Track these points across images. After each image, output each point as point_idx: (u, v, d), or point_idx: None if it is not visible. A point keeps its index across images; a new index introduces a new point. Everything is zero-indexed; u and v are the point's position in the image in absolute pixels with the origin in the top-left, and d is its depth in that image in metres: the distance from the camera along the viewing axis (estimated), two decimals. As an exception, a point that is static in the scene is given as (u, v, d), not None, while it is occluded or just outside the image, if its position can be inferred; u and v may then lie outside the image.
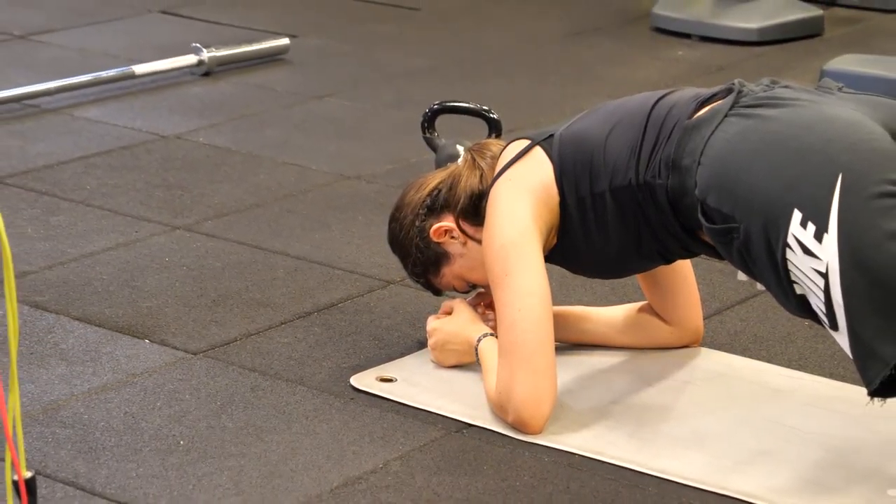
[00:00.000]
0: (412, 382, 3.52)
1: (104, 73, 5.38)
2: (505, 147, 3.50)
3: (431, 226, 3.50)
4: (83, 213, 4.37)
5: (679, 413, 3.51)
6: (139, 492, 3.04)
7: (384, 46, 6.11)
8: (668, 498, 3.10)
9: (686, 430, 3.41)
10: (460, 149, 3.97)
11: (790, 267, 2.99)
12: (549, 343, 3.30)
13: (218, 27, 6.12)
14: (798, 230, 2.94)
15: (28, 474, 2.59)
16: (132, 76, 5.40)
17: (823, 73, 5.66)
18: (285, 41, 5.88)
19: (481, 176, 3.48)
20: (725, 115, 3.16)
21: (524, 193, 3.34)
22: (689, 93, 3.36)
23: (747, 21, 6.35)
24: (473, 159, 3.54)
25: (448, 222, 3.49)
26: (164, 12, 6.35)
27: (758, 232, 3.03)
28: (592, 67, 5.89)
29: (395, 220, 3.60)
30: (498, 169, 3.43)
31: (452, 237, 3.50)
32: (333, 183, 4.70)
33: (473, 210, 3.46)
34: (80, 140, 4.89)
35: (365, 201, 4.50)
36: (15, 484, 2.57)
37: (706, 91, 3.33)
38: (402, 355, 3.65)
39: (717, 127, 3.15)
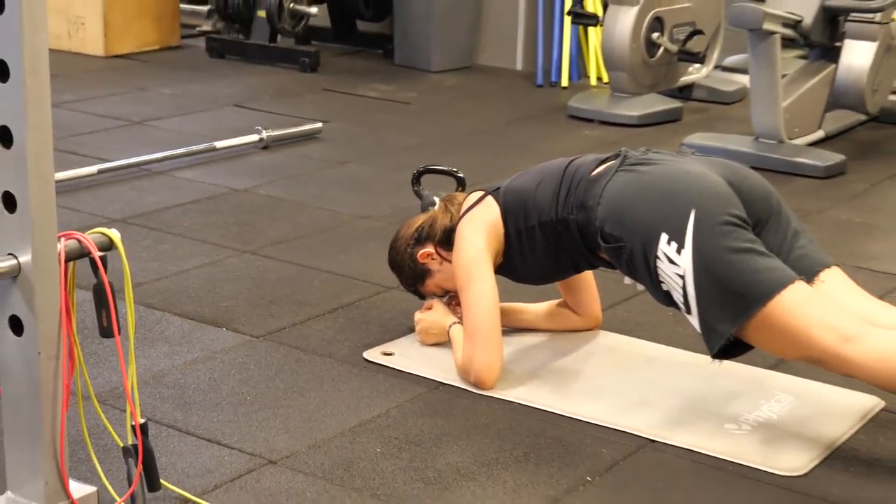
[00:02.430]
0: (406, 356, 3.56)
1: (195, 147, 5.39)
2: (467, 196, 3.56)
3: (418, 252, 3.55)
4: (181, 242, 4.41)
5: (585, 375, 3.54)
6: (219, 432, 3.10)
7: (387, 129, 6.12)
8: (579, 433, 3.14)
9: (590, 386, 3.46)
10: (436, 199, 3.98)
11: (659, 272, 3.07)
12: (498, 328, 3.37)
13: (274, 115, 6.14)
14: (665, 247, 3.04)
15: (142, 420, 2.60)
16: (214, 149, 5.42)
17: (682, 145, 5.69)
18: (319, 125, 5.89)
19: (451, 217, 3.53)
20: (616, 171, 3.26)
21: (480, 228, 3.42)
22: (591, 157, 3.45)
23: (631, 111, 6.37)
24: (446, 205, 3.61)
25: (430, 249, 3.54)
26: (237, 105, 6.36)
27: (638, 249, 3.12)
28: (528, 143, 5.90)
29: (393, 248, 3.66)
30: (462, 211, 3.48)
31: (433, 259, 3.55)
32: (353, 221, 4.74)
33: (447, 240, 3.50)
34: (178, 193, 4.92)
35: (374, 234, 4.52)
36: (133, 427, 2.58)
37: (602, 155, 3.42)
38: (399, 337, 3.68)
39: (610, 179, 3.24)
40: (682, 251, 3.02)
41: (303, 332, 3.70)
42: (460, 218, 3.49)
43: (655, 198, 3.16)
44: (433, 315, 3.61)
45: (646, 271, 3.14)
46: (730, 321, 2.99)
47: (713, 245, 3.02)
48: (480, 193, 3.53)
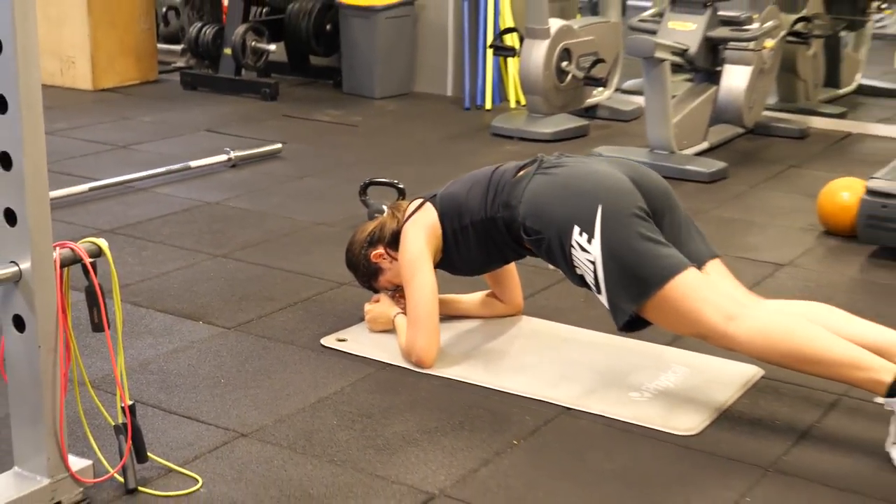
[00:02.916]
0: (358, 341, 3.57)
1: (173, 166, 5.37)
2: (409, 204, 3.57)
3: (371, 253, 3.58)
4: (161, 249, 4.40)
5: (511, 354, 3.57)
6: (197, 410, 3.11)
7: (338, 148, 6.13)
8: (506, 403, 3.17)
9: (516, 363, 3.49)
10: (383, 206, 4.01)
11: (574, 259, 3.14)
12: (436, 315, 3.41)
13: (240, 138, 6.12)
14: (577, 238, 3.10)
15: (130, 402, 2.61)
16: (189, 168, 5.41)
17: (591, 153, 5.70)
18: (279, 146, 5.88)
19: (397, 221, 3.55)
20: (534, 174, 3.31)
21: (421, 230, 3.45)
22: (511, 163, 3.49)
23: (545, 128, 6.41)
24: (392, 212, 3.64)
25: (381, 250, 3.57)
26: (208, 130, 6.36)
27: (555, 240, 3.17)
28: (458, 157, 5.93)
29: (349, 250, 3.69)
30: (406, 216, 3.51)
31: (384, 258, 3.57)
32: (310, 227, 4.75)
33: (394, 242, 3.52)
34: (159, 206, 4.91)
35: (329, 238, 4.53)
36: (122, 408, 2.59)
37: (522, 162, 3.45)
38: (351, 326, 3.68)
39: (529, 181, 3.30)
40: (592, 240, 3.07)
41: (268, 324, 3.70)
42: (404, 222, 3.52)
43: (567, 195, 3.21)
44: (380, 306, 3.62)
45: (562, 258, 3.19)
46: (633, 300, 3.06)
47: (619, 235, 3.07)
48: (420, 201, 3.55)
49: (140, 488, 2.66)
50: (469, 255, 3.50)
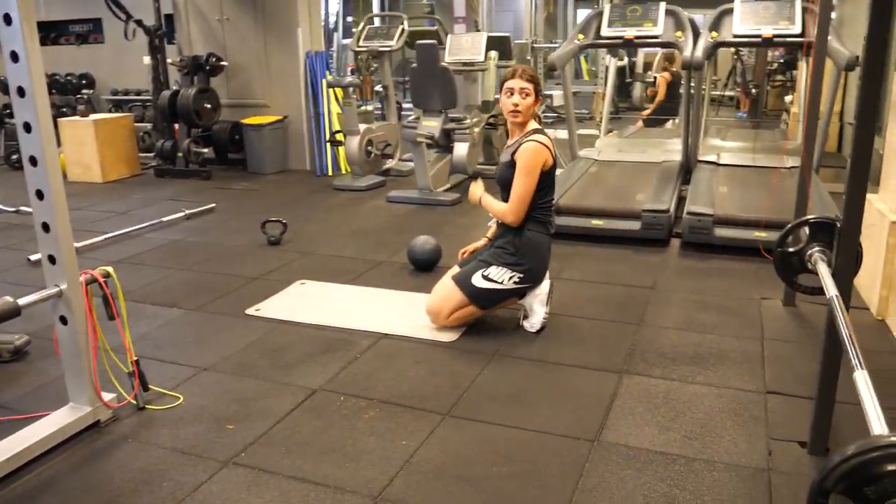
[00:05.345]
0: (268, 309, 3.45)
1: (152, 221, 5.11)
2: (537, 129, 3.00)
3: (538, 93, 3.01)
4: (148, 269, 4.16)
5: (353, 307, 3.46)
6: (176, 357, 2.97)
7: (247, 203, 5.90)
8: (353, 335, 3.12)
9: (356, 312, 3.37)
10: (275, 235, 3.84)
11: None
12: (526, 206, 2.98)
13: (191, 202, 5.81)
14: None
15: (135, 357, 2.47)
16: (162, 222, 5.15)
17: (388, 197, 5.64)
18: (213, 205, 5.65)
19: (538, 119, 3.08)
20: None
21: (545, 153, 2.97)
22: None
23: (361, 183, 6.36)
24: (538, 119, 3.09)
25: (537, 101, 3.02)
26: (171, 199, 6.01)
27: None
28: (316, 203, 5.82)
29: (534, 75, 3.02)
30: (537, 128, 3.01)
31: (537, 103, 3.02)
32: (235, 248, 4.55)
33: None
34: (145, 245, 4.66)
35: (247, 253, 4.39)
36: (131, 362, 2.44)
37: None
38: (263, 301, 3.54)
39: None
40: None
41: (216, 305, 3.54)
42: (535, 131, 2.97)
43: None
44: (477, 188, 3.15)
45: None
46: None
47: None
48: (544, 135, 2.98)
49: (147, 405, 2.53)
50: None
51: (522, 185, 2.95)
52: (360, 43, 6.81)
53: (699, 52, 4.97)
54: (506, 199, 3.09)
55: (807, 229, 2.39)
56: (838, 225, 2.01)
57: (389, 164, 7.00)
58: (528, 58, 9.79)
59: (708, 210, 4.29)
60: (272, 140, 7.19)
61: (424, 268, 3.99)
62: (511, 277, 3.04)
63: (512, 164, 3.01)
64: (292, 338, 3.13)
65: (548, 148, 2.96)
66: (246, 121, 7.17)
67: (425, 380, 2.71)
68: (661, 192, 4.80)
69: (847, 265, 1.96)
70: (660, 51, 11.40)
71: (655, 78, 9.94)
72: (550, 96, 10.57)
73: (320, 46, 7.27)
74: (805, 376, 2.66)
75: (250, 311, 3.44)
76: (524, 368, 2.79)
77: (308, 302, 3.55)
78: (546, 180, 3.01)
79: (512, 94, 2.96)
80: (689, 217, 4.31)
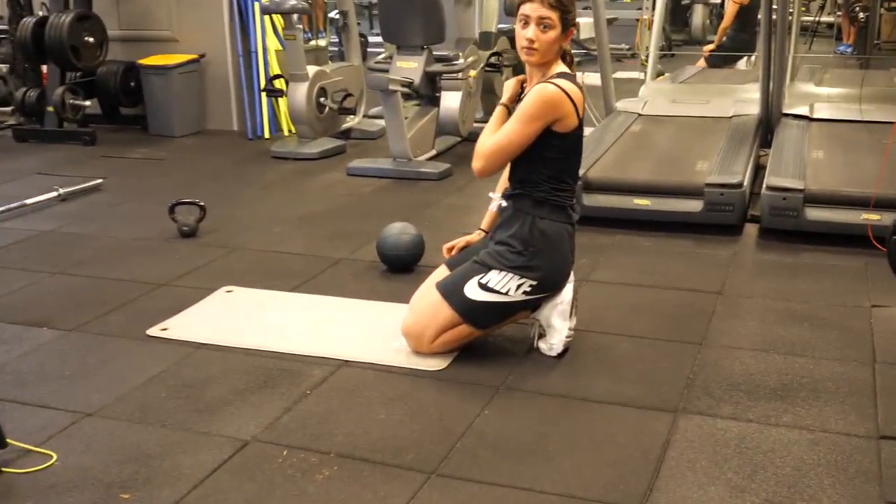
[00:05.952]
0: (176, 329, 3.47)
1: (11, 205, 5.11)
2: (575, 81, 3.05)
3: (574, 23, 3.05)
4: (8, 272, 4.19)
5: (299, 324, 3.49)
6: (48, 399, 2.95)
7: (149, 178, 5.93)
8: (299, 363, 3.13)
9: (303, 330, 3.42)
10: (190, 222, 3.87)
11: None
12: (508, 158, 3.04)
13: (67, 177, 5.82)
14: None
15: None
16: (25, 205, 5.15)
17: (348, 169, 5.71)
18: (100, 180, 5.67)
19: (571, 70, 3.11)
20: None
21: (566, 102, 2.99)
22: None
23: (312, 149, 6.40)
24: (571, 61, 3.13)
25: (569, 38, 3.06)
26: (39, 173, 6.03)
27: None
28: (246, 177, 5.85)
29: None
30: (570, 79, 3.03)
31: (571, 35, 3.05)
32: (131, 243, 4.58)
33: (567, 60, 3.09)
34: (3, 238, 4.62)
35: (147, 250, 4.42)
36: None
37: None
38: (171, 317, 3.55)
39: None
40: None
41: (103, 323, 3.54)
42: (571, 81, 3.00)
43: None
44: (513, 84, 3.18)
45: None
46: None
47: None
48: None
49: (3, 469, 2.50)
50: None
51: (510, 133, 2.97)
52: (307, -49, 6.79)
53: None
54: (512, 165, 3.09)
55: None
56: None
57: (351, 121, 7.01)
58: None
59: (797, 184, 4.32)
60: (184, 89, 7.19)
61: (400, 267, 4.00)
62: (520, 286, 3.04)
63: None
64: (214, 368, 3.11)
65: (570, 98, 2.95)
66: (146, 61, 7.17)
67: (403, 424, 2.70)
68: (731, 160, 4.83)
69: None
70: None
71: (723, -2, 9.97)
72: (576, 25, 10.61)
73: (251, -44, 7.27)
74: (934, 414, 2.68)
75: (154, 331, 3.43)
76: (541, 407, 2.80)
77: (237, 317, 3.54)
78: (564, 146, 3.03)
79: (527, 23, 2.96)
80: (770, 193, 4.34)
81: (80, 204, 5.31)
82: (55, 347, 3.33)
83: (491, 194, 3.27)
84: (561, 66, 3.04)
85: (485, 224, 3.35)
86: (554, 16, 2.94)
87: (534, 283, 3.03)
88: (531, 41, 2.97)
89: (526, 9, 2.97)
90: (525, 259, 3.02)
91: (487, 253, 3.09)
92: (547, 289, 3.07)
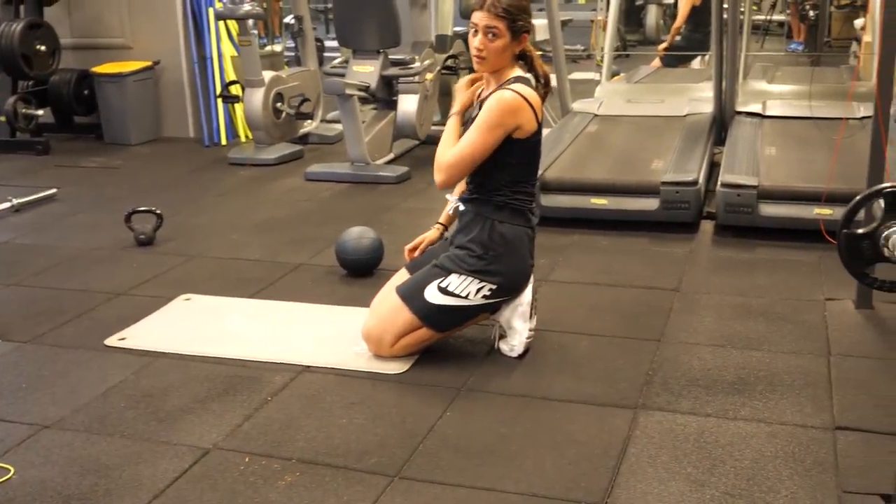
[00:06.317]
0: (135, 339, 3.44)
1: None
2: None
3: (529, 26, 3.02)
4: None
5: (258, 330, 3.48)
6: (4, 412, 2.91)
7: (104, 187, 5.87)
8: (259, 369, 3.10)
9: (263, 337, 3.41)
10: (147, 230, 3.82)
11: None
12: (468, 169, 3.03)
13: (20, 188, 5.75)
14: None
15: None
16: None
17: (306, 174, 5.69)
18: (54, 190, 5.58)
19: (542, 85, 3.11)
20: None
21: (528, 111, 3.00)
22: None
23: (269, 155, 6.36)
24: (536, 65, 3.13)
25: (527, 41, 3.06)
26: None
27: None
28: (203, 184, 5.83)
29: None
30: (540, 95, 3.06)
31: (526, 40, 3.04)
32: (88, 253, 4.52)
33: (531, 68, 3.09)
34: (-45, 250, 4.52)
35: (104, 259, 4.37)
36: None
37: None
38: (129, 326, 3.51)
39: None
40: None
41: (60, 334, 3.49)
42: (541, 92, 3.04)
43: None
44: (466, 94, 3.15)
45: None
46: None
47: None
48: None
49: (-39, 483, 2.47)
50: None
51: (472, 143, 2.96)
52: (261, -44, 6.77)
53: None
54: (475, 177, 3.10)
55: (881, 202, 2.44)
56: (924, 194, 2.05)
57: (308, 126, 6.99)
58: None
59: (751, 180, 4.38)
60: (138, 96, 7.12)
61: (360, 271, 4.00)
62: (479, 290, 3.05)
63: None
64: (174, 377, 3.09)
65: (529, 104, 2.96)
66: (99, 69, 7.09)
67: (365, 428, 2.70)
68: (686, 158, 4.89)
69: (937, 249, 2.01)
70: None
71: (676, -2, 10.06)
72: (531, 30, 10.64)
73: (204, -38, 7.22)
74: (889, 404, 2.73)
75: (112, 340, 3.39)
76: (502, 408, 2.81)
77: (196, 325, 3.51)
78: (523, 152, 3.04)
79: (476, 32, 2.97)
80: (724, 190, 4.39)
81: (35, 214, 5.24)
82: (10, 360, 3.28)
83: (448, 196, 3.27)
84: (517, 71, 3.05)
85: (443, 217, 3.36)
86: (501, 25, 2.94)
87: (493, 286, 3.04)
88: (479, 50, 2.98)
89: (475, 17, 2.98)
90: (485, 263, 3.03)
91: (447, 257, 3.09)
92: (507, 292, 3.08)
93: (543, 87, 3.10)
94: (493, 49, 2.97)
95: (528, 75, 3.08)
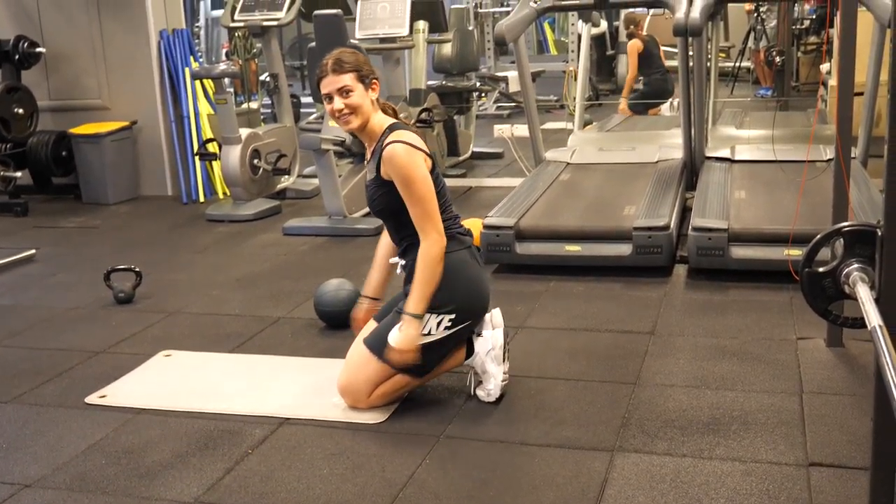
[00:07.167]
0: (115, 396, 3.44)
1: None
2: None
3: (373, 76, 3.13)
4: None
5: (236, 384, 3.49)
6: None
7: (83, 247, 5.88)
8: (239, 423, 3.10)
9: (241, 390, 3.42)
10: (126, 288, 3.83)
11: None
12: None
13: (1, 249, 5.74)
14: None
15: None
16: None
17: (284, 229, 5.72)
18: (33, 251, 5.60)
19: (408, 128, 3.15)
20: None
21: (420, 165, 3.05)
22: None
23: (247, 211, 6.39)
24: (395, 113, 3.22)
25: (377, 90, 3.15)
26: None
27: None
28: (181, 241, 5.85)
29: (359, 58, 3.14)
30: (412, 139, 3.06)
31: (374, 90, 3.13)
32: (66, 313, 4.53)
33: (394, 114, 3.18)
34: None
35: (82, 318, 4.38)
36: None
37: None
38: (109, 384, 3.51)
39: None
40: None
41: (39, 393, 3.49)
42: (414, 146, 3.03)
43: None
44: (410, 334, 3.06)
45: None
46: None
47: None
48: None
49: (-59, 545, 2.47)
50: None
51: (419, 196, 3.01)
52: (236, 16, 6.84)
53: (696, 12, 5.18)
54: (393, 228, 3.20)
55: (841, 241, 2.50)
56: (879, 233, 2.11)
57: (285, 182, 7.04)
58: (471, 27, 10.00)
59: (721, 224, 4.45)
60: (116, 156, 7.17)
61: (339, 323, 3.99)
62: (440, 323, 3.08)
63: (383, 183, 3.08)
64: (155, 433, 3.10)
65: (415, 146, 3.03)
66: (77, 130, 7.14)
67: (345, 478, 2.72)
68: (657, 203, 4.96)
69: (894, 286, 2.05)
70: (648, 11, 11.77)
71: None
72: (505, 79, 10.81)
73: (180, 23, 7.31)
74: (860, 440, 2.77)
75: (93, 398, 3.40)
76: (480, 454, 2.84)
77: (176, 381, 3.53)
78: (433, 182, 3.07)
79: (331, 98, 3.06)
80: (696, 234, 4.46)
81: (13, 275, 5.25)
82: (-11, 414, 3.29)
83: (391, 260, 3.32)
84: (386, 119, 3.12)
85: (369, 291, 3.43)
86: (350, 79, 3.03)
87: (451, 315, 3.08)
88: (341, 111, 3.07)
89: (324, 87, 3.07)
90: (436, 299, 3.06)
91: (405, 302, 3.13)
92: (467, 317, 3.13)
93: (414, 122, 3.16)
94: (354, 103, 3.05)
95: (397, 120, 3.17)
